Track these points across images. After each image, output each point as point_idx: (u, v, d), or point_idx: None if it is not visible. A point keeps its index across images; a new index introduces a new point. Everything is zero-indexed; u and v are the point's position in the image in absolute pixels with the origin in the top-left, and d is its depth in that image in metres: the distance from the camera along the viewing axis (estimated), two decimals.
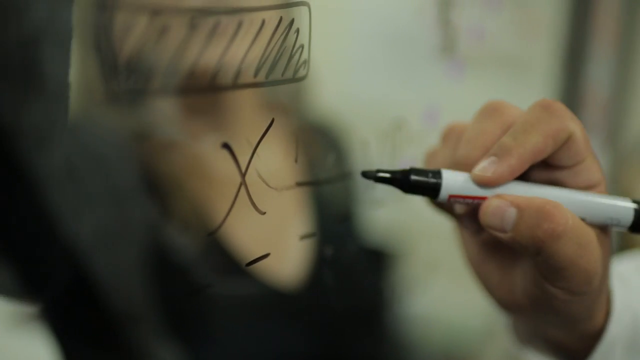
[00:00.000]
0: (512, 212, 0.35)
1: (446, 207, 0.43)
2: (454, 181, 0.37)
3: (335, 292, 0.59)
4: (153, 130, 0.54)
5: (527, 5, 1.03)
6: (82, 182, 0.55)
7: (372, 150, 0.56)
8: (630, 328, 0.41)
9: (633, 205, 0.38)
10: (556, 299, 0.36)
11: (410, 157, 0.64)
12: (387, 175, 0.38)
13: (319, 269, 0.64)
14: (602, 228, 0.38)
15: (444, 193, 0.37)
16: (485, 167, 0.36)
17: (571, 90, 1.28)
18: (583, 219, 0.36)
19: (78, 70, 0.37)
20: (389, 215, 0.80)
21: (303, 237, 0.66)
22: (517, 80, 1.02)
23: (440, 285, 1.09)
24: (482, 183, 0.36)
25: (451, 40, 0.65)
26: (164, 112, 0.54)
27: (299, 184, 0.40)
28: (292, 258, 0.65)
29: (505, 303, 0.41)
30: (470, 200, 0.37)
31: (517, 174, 0.36)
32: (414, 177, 0.37)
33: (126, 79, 0.35)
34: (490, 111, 0.38)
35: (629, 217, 0.38)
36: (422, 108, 0.64)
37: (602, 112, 1.43)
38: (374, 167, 0.39)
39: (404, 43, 0.74)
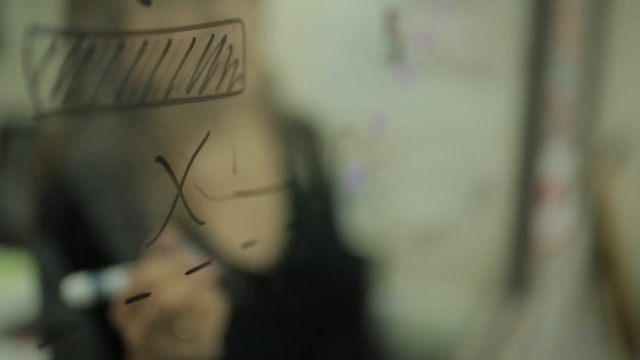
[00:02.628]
0: None
1: None
2: None
3: (302, 292, 0.61)
4: (97, 145, 0.55)
5: (484, 10, 1.05)
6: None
7: None
8: None
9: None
10: None
11: (358, 164, 0.66)
12: None
13: (289, 265, 0.65)
14: None
15: None
16: None
17: (536, 93, 1.30)
18: None
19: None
20: (368, 218, 0.82)
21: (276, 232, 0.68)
22: (477, 85, 1.04)
23: (418, 289, 1.10)
24: None
25: (398, 49, 0.67)
26: (102, 128, 0.55)
27: (239, 194, 0.42)
28: (263, 254, 0.67)
29: None
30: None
31: None
32: None
33: (64, 98, 0.36)
34: None
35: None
36: (369, 116, 0.66)
37: (569, 113, 1.45)
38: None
39: (353, 51, 0.76)
